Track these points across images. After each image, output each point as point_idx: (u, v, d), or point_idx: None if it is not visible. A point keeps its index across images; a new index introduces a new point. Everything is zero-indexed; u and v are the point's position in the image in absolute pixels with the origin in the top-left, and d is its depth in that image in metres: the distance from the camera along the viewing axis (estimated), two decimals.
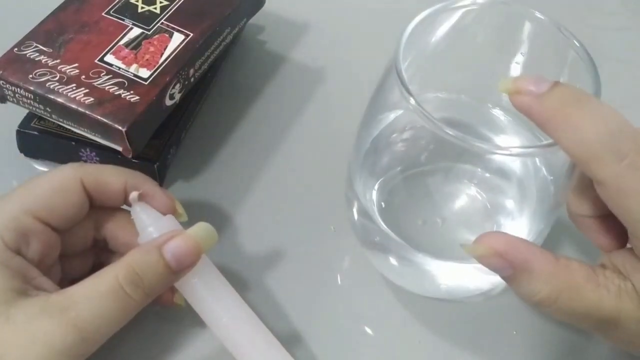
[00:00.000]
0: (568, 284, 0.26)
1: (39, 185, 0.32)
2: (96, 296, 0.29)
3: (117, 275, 0.29)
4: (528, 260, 0.26)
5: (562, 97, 0.26)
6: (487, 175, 0.38)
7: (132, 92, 0.38)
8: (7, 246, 0.30)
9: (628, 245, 0.28)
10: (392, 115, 0.35)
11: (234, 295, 0.33)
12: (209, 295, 0.32)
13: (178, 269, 0.30)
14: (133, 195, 0.33)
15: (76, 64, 0.39)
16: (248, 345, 0.32)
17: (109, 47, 0.40)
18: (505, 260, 0.26)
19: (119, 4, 0.42)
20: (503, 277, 0.27)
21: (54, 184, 0.32)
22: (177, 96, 0.40)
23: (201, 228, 0.32)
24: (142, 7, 0.42)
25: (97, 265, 0.35)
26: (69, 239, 0.33)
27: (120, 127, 0.36)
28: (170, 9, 0.42)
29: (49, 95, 0.37)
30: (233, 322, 0.32)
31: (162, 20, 0.42)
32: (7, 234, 0.30)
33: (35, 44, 0.39)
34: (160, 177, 0.42)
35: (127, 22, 0.41)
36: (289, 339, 0.36)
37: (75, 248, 0.34)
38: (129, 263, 0.29)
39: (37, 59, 0.39)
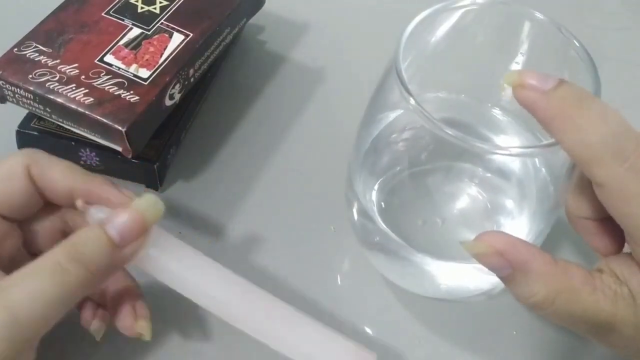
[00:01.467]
0: (566, 287, 0.26)
1: None
2: (30, 273, 0.27)
3: (55, 253, 0.27)
4: (527, 260, 0.26)
5: (567, 95, 0.25)
6: (487, 175, 0.38)
7: (131, 92, 0.38)
8: None
9: (626, 250, 0.28)
10: (392, 115, 0.35)
11: (201, 258, 0.31)
12: (172, 261, 0.31)
13: (122, 243, 0.28)
14: (78, 203, 0.31)
15: (76, 64, 0.39)
16: (233, 299, 0.31)
17: (108, 47, 0.40)
18: (505, 260, 0.26)
19: (119, 4, 0.42)
20: (501, 277, 0.27)
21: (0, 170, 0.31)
22: (177, 96, 0.40)
23: (144, 199, 0.30)
24: (142, 7, 0.42)
25: None
26: (34, 232, 0.33)
27: (120, 127, 0.36)
28: (170, 9, 0.42)
29: (49, 96, 0.37)
30: (204, 280, 0.31)
31: (162, 21, 0.42)
32: None
33: (35, 44, 0.39)
34: (160, 177, 0.42)
35: (127, 22, 0.41)
36: None
37: (44, 242, 0.33)
38: (70, 241, 0.28)
39: (37, 59, 0.39)
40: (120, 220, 0.29)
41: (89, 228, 0.29)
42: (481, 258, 0.27)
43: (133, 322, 0.32)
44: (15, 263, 0.29)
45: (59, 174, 0.31)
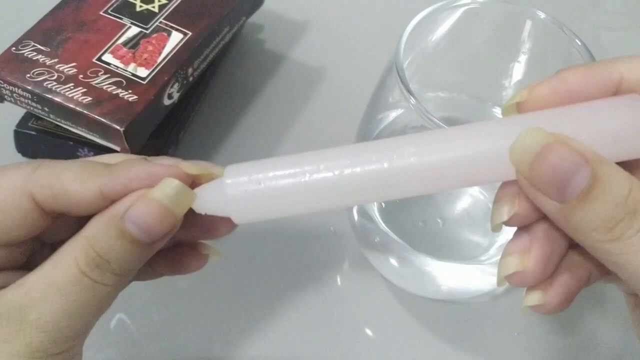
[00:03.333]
0: None
1: None
2: (56, 290, 0.23)
3: (77, 260, 0.23)
4: (602, 156, 0.21)
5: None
6: None
7: (130, 91, 0.38)
8: None
9: None
10: (392, 115, 0.35)
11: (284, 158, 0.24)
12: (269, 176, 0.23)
13: (151, 240, 0.24)
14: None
15: (74, 63, 0.38)
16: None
17: (107, 46, 0.40)
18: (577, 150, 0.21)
19: (117, 2, 0.42)
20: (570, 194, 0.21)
21: None
22: (176, 95, 0.40)
23: (167, 186, 0.24)
24: (141, 6, 0.42)
25: None
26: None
27: (118, 127, 0.36)
28: (169, 8, 0.42)
29: (47, 95, 0.37)
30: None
31: (161, 19, 0.41)
32: None
33: (33, 43, 0.39)
34: None
35: (126, 21, 0.41)
36: (289, 340, 0.36)
37: (59, 237, 0.27)
38: (89, 242, 0.23)
39: (34, 58, 0.38)
40: (138, 212, 0.23)
41: (106, 223, 0.24)
42: (541, 157, 0.21)
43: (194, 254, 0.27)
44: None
45: (75, 184, 0.24)
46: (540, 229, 0.23)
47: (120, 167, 0.24)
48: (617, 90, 0.23)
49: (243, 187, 0.23)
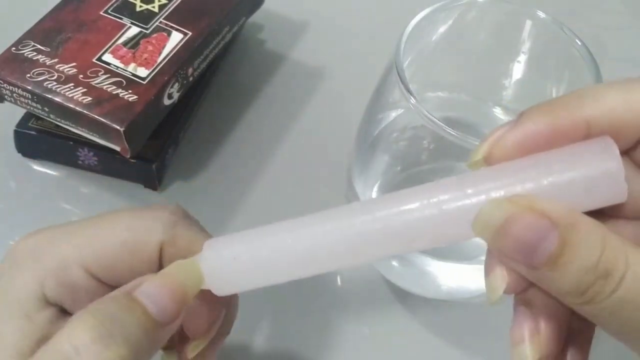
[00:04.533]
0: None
1: (105, 238, 0.25)
2: None
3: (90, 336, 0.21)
4: (574, 214, 0.20)
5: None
6: None
7: (130, 91, 0.38)
8: (44, 296, 0.24)
9: None
10: (392, 115, 0.35)
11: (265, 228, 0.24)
12: (246, 247, 0.24)
13: (162, 318, 0.22)
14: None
15: (74, 63, 0.38)
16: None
17: (107, 46, 0.40)
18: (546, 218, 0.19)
19: (117, 2, 0.42)
20: (537, 264, 0.20)
21: (125, 244, 0.25)
22: (176, 95, 0.40)
23: (178, 267, 0.24)
24: (141, 6, 0.42)
25: None
26: None
27: (118, 127, 0.36)
28: (169, 8, 0.42)
29: (47, 95, 0.37)
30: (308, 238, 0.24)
31: (161, 19, 0.41)
32: (50, 282, 0.24)
33: (33, 43, 0.39)
34: (159, 177, 0.42)
35: (126, 21, 0.41)
36: (289, 340, 0.36)
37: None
38: (92, 313, 0.22)
39: (34, 58, 0.38)
40: (150, 286, 0.23)
41: (114, 298, 0.23)
42: (510, 225, 0.20)
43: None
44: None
45: (191, 244, 0.25)
46: (539, 298, 0.22)
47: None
48: (586, 131, 0.21)
49: (218, 262, 0.24)
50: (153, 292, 0.23)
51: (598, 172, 0.20)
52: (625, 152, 0.22)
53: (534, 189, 0.21)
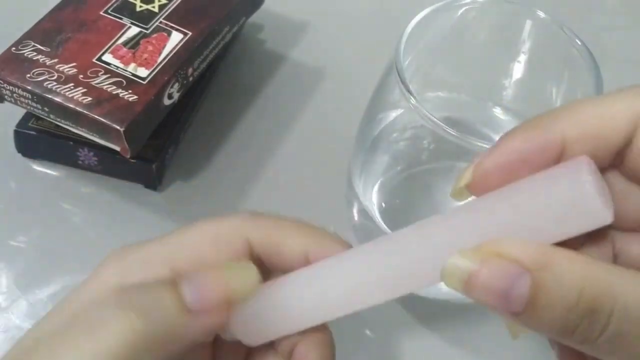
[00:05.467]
0: (629, 290, 0.19)
1: (191, 235, 0.26)
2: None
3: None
4: (546, 252, 0.19)
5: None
6: None
7: (130, 91, 0.38)
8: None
9: None
10: (392, 115, 0.35)
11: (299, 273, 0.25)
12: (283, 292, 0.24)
13: (193, 306, 0.22)
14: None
15: (74, 63, 0.38)
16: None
17: (107, 46, 0.40)
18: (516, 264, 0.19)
19: (117, 3, 0.42)
20: (513, 310, 0.19)
21: (210, 236, 0.25)
22: (176, 95, 0.40)
23: (229, 265, 0.24)
24: (141, 6, 0.42)
25: None
26: None
27: (118, 127, 0.36)
28: (169, 8, 0.42)
29: (47, 95, 0.37)
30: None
31: (161, 19, 0.41)
32: (130, 277, 0.24)
33: (33, 43, 0.39)
34: (159, 177, 0.42)
35: (126, 21, 0.41)
36: None
37: None
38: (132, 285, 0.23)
39: (34, 58, 0.38)
40: (192, 276, 0.23)
41: (161, 280, 0.23)
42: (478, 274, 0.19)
43: None
44: None
45: (291, 239, 0.25)
46: None
47: (325, 236, 0.26)
48: (562, 147, 0.21)
49: (242, 317, 0.24)
50: (194, 277, 0.23)
51: (572, 198, 0.20)
52: (614, 167, 0.22)
53: (505, 227, 0.20)
